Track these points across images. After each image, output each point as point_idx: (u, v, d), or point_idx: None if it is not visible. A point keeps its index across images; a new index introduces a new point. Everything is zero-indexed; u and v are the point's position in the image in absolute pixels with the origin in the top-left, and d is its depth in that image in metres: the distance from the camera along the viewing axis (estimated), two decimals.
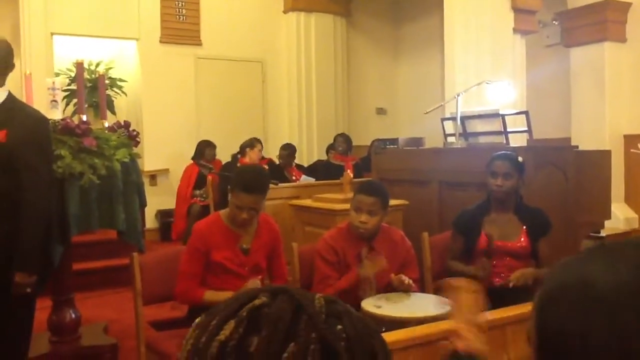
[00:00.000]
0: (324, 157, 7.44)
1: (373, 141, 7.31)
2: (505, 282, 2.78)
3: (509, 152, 3.05)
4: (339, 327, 0.62)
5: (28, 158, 2.41)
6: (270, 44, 7.94)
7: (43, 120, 2.58)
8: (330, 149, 7.31)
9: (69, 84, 6.30)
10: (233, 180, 2.58)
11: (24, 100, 2.89)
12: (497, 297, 2.70)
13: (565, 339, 0.62)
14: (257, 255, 2.63)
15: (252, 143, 6.26)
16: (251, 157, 6.18)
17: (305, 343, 0.59)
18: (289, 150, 6.80)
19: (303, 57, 7.90)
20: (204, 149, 6.64)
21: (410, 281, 2.63)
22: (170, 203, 6.65)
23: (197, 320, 0.66)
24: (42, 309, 3.26)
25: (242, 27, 7.65)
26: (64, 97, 5.93)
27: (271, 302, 0.62)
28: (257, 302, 0.62)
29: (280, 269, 2.74)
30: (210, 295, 2.49)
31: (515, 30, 5.84)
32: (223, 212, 2.67)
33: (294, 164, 6.85)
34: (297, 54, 7.92)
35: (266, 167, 6.27)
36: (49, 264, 2.79)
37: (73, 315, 3.29)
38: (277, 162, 6.87)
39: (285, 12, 7.98)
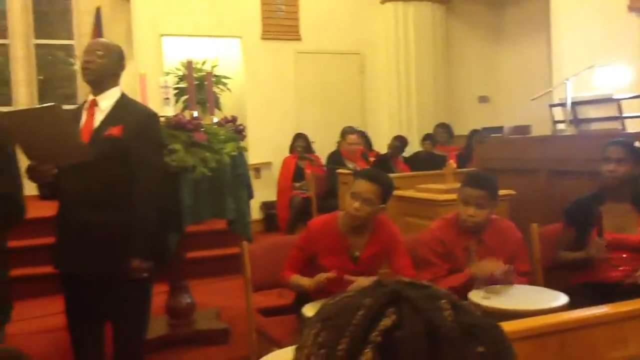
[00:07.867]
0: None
1: (472, 131, 7.12)
2: (632, 279, 2.59)
3: (625, 139, 2.87)
4: (480, 349, 0.57)
5: (141, 152, 2.52)
6: (368, 36, 7.93)
7: (153, 115, 2.70)
8: (425, 139, 7.21)
9: (177, 82, 6.62)
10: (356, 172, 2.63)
11: (139, 98, 3.08)
12: (616, 292, 2.56)
13: None
14: (366, 264, 2.53)
15: (343, 134, 6.26)
16: (344, 147, 6.20)
17: None
18: (400, 142, 6.80)
19: (402, 48, 7.82)
20: (294, 142, 6.77)
21: (505, 269, 2.47)
22: (273, 195, 6.83)
23: (309, 332, 0.61)
24: (161, 294, 3.48)
25: (340, 20, 7.70)
26: (174, 95, 6.25)
27: (401, 320, 0.57)
28: (387, 321, 0.57)
29: (398, 263, 2.57)
30: (294, 278, 2.47)
31: (630, 9, 5.47)
32: (341, 214, 2.60)
33: (401, 157, 6.84)
34: (396, 44, 7.85)
35: (373, 159, 6.29)
36: (166, 252, 2.97)
37: (188, 300, 3.49)
38: (384, 152, 6.85)
39: (382, 2, 7.93)
